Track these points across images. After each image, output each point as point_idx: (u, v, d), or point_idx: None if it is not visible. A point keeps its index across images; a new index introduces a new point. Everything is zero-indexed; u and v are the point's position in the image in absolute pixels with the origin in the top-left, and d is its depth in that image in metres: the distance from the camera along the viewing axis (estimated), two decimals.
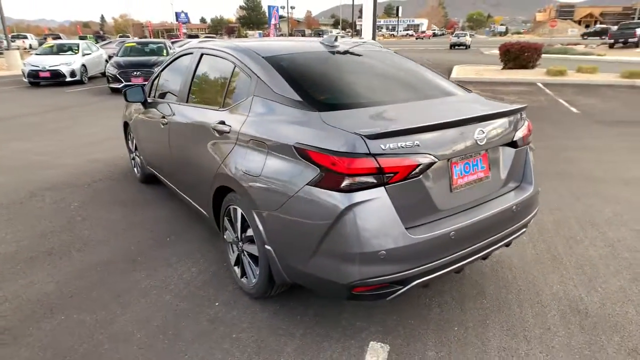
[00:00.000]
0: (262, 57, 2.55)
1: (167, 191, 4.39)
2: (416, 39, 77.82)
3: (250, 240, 2.44)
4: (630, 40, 27.20)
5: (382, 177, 1.84)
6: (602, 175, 4.75)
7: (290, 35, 47.29)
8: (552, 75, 13.68)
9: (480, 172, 2.22)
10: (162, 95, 3.84)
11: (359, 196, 1.82)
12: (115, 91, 12.29)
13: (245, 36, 49.78)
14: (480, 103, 2.49)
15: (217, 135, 2.60)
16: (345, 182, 1.82)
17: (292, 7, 55.85)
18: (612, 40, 28.50)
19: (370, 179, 1.83)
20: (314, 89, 2.34)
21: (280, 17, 51.29)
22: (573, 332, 2.29)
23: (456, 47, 37.04)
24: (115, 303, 2.59)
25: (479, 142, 2.11)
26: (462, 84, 3.36)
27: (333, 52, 2.85)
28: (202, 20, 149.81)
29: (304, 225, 1.98)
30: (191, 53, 3.31)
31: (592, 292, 2.63)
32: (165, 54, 13.47)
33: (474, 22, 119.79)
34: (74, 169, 5.21)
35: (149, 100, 3.93)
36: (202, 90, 3.09)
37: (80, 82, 14.52)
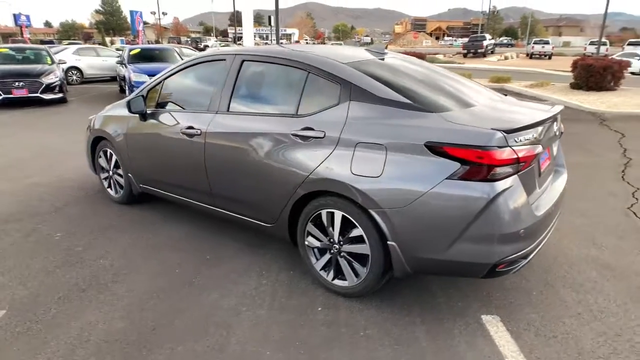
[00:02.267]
0: (344, 63, 2.64)
1: (165, 210, 4.06)
2: None
3: (353, 240, 2.51)
4: (479, 50, 32.17)
5: (517, 166, 2.13)
6: None
7: (157, 42, 44.34)
8: None
9: (548, 159, 2.65)
10: (164, 105, 3.58)
11: (502, 184, 2.09)
12: None
13: (112, 43, 45.34)
14: (535, 102, 2.94)
15: (301, 141, 2.60)
16: (492, 173, 2.07)
17: (164, 13, 52.82)
18: (465, 51, 33.37)
19: (509, 169, 2.11)
20: (414, 92, 2.52)
21: (145, 23, 47.92)
22: (612, 281, 2.86)
23: None
24: (213, 327, 2.41)
25: (556, 134, 2.54)
26: None
27: (383, 59, 3.04)
28: (47, 24, 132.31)
29: (444, 216, 2.15)
30: (223, 59, 3.18)
31: (603, 252, 3.27)
32: (49, 62, 11.86)
33: (340, 33, 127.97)
34: (16, 197, 4.42)
35: (148, 111, 3.62)
36: (256, 99, 3.01)
37: None
